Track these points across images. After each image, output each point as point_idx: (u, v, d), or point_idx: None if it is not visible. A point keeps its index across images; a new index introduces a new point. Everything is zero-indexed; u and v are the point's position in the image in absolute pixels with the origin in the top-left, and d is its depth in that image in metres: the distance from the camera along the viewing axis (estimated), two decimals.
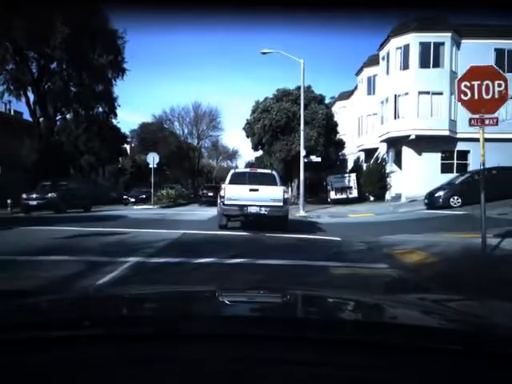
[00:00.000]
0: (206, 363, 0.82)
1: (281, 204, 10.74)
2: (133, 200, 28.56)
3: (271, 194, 10.79)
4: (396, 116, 23.61)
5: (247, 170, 14.57)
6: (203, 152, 65.41)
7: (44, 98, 28.04)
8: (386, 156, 26.80)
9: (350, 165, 37.37)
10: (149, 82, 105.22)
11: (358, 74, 31.30)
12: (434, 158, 23.59)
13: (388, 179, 26.47)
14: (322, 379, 0.80)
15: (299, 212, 21.73)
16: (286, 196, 11.08)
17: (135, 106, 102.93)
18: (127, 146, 64.37)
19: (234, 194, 10.77)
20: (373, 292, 3.55)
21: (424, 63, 22.84)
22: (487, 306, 1.57)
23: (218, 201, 11.28)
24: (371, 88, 28.86)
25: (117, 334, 0.94)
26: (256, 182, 11.09)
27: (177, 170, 48.99)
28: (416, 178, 23.34)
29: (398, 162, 25.35)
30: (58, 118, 32.95)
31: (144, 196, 29.17)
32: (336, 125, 28.53)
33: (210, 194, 27.35)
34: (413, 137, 22.87)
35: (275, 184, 11.27)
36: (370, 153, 29.39)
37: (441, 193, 17.34)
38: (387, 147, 26.32)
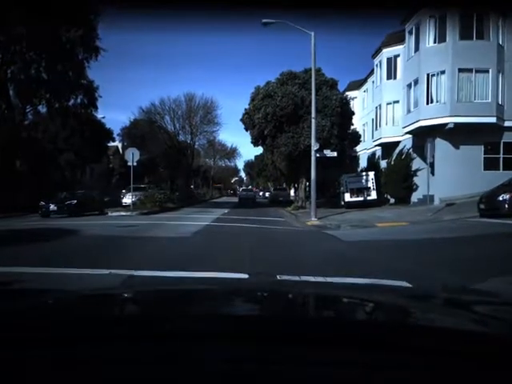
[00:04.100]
0: (206, 363, 0.82)
1: (253, 195, 43.40)
2: (54, 209, 18.74)
3: (250, 193, 44.12)
4: (429, 100, 19.23)
5: (244, 187, 59.98)
6: (199, 150, 60.95)
7: (5, 85, 23.74)
8: (411, 150, 22.46)
9: (363, 163, 33.04)
10: (138, 76, 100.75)
11: (374, 56, 26.88)
12: (476, 152, 19.23)
13: (414, 178, 22.15)
14: (322, 379, 0.79)
15: (310, 219, 17.38)
16: (254, 193, 47.96)
17: (127, 105, 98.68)
18: (119, 145, 60.09)
19: (241, 193, 44.30)
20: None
21: (465, 34, 18.46)
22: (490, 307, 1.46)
23: (237, 196, 50.37)
24: (392, 71, 24.47)
25: (116, 333, 0.92)
26: (247, 190, 48.98)
27: (171, 170, 44.61)
28: (453, 176, 19.02)
29: (424, 156, 21.00)
30: (28, 110, 28.66)
31: (75, 202, 19.22)
32: (352, 113, 24.11)
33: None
34: (451, 125, 18.51)
35: (252, 191, 48.38)
36: (389, 147, 25.04)
37: (506, 195, 12.94)
38: (413, 140, 21.97)
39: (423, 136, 20.31)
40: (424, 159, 21.36)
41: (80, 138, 33.67)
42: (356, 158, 34.11)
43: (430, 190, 20.18)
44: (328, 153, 18.43)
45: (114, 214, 19.36)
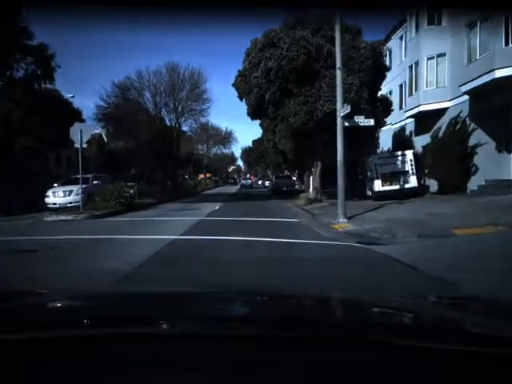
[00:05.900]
0: (205, 363, 0.81)
1: (251, 184, 59.19)
2: None
3: (248, 181, 62.59)
4: (509, 40, 13.06)
5: (244, 176, 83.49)
6: (192, 137, 54.41)
7: None
8: (467, 119, 16.32)
9: (384, 142, 26.86)
10: (112, 56, 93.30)
11: None
12: None
13: (475, 158, 16.07)
14: (322, 378, 0.79)
15: (338, 221, 11.38)
16: (251, 182, 63.31)
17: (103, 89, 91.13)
18: (103, 132, 53.93)
19: (242, 181, 67.49)
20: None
21: None
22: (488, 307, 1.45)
23: (237, 184, 74.66)
24: (435, 15, 18.18)
25: (116, 333, 0.91)
26: (246, 179, 69.16)
27: (154, 158, 38.45)
28: None
29: (489, 126, 14.95)
30: None
31: None
32: (386, 69, 17.83)
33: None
34: None
35: (250, 179, 67.29)
36: (428, 118, 18.84)
37: None
38: (472, 104, 15.80)
39: (494, 95, 14.12)
40: (485, 130, 15.30)
41: (39, 119, 27.54)
42: (375, 137, 27.89)
43: (505, 172, 14.22)
44: (361, 120, 12.33)
45: (50, 218, 13.30)
